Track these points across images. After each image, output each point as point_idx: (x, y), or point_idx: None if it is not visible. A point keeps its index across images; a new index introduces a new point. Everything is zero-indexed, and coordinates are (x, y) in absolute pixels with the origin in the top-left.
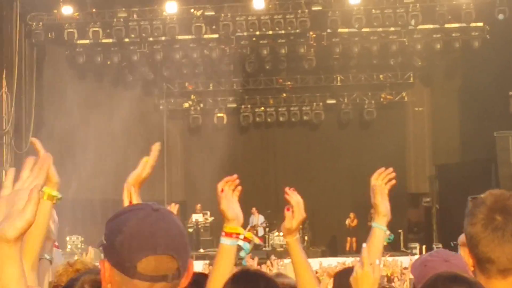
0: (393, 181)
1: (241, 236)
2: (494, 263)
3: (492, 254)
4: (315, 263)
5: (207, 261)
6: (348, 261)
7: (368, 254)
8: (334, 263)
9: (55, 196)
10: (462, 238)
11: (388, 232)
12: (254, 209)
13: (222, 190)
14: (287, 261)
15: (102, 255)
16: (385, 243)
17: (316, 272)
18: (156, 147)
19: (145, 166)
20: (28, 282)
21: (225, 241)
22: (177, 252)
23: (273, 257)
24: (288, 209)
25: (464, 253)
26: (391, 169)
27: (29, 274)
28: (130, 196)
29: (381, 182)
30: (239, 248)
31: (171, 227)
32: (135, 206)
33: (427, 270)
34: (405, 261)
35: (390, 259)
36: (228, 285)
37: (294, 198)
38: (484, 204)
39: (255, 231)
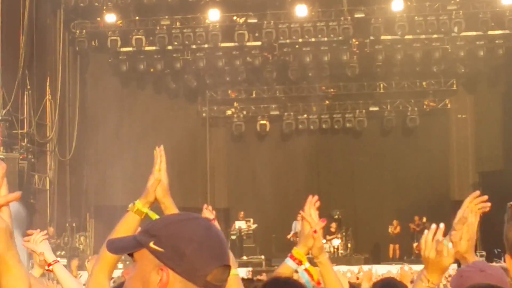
0: (487, 209)
1: (303, 267)
2: None
3: None
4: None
5: (250, 268)
6: (391, 268)
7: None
8: (379, 270)
9: (144, 212)
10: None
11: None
12: (299, 215)
13: (316, 231)
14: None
15: (155, 261)
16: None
17: (357, 278)
18: (158, 152)
19: (158, 175)
20: None
21: (288, 261)
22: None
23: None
24: (315, 231)
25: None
26: (485, 197)
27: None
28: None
29: (473, 206)
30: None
31: (222, 236)
32: (188, 215)
33: (463, 280)
34: (450, 268)
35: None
36: None
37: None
38: None
39: (298, 237)
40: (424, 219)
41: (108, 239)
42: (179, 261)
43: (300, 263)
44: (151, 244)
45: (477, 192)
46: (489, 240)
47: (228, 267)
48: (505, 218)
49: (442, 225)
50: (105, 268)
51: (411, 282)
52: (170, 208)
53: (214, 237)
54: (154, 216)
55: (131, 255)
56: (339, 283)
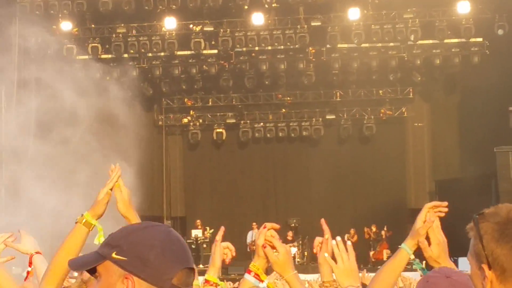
0: (442, 214)
1: (263, 284)
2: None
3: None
4: (315, 278)
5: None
6: None
7: (386, 273)
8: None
9: (93, 225)
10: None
11: (412, 257)
12: (254, 224)
13: (264, 246)
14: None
15: (119, 271)
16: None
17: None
18: (114, 169)
19: (120, 189)
20: None
21: (248, 277)
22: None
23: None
24: (264, 246)
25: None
26: (446, 203)
27: None
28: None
29: (432, 214)
30: None
31: (184, 241)
32: (147, 223)
33: (428, 286)
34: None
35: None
36: None
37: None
38: (498, 217)
39: (254, 246)
40: (381, 228)
41: (70, 260)
42: (143, 267)
43: (258, 277)
44: (114, 255)
45: (439, 203)
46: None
47: (192, 270)
48: (477, 232)
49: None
50: (54, 282)
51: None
52: (135, 221)
53: (175, 241)
54: (101, 229)
55: (93, 271)
56: None
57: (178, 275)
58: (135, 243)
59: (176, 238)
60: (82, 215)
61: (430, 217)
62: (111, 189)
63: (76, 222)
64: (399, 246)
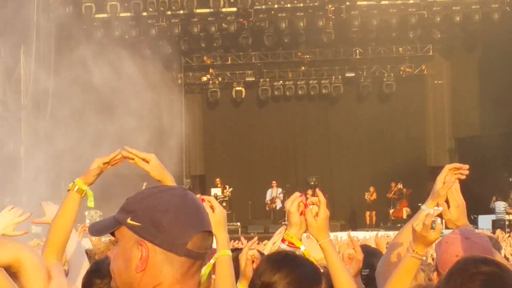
0: (463, 176)
1: (298, 251)
2: None
3: None
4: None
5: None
6: (367, 235)
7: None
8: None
9: (84, 191)
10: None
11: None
12: (274, 182)
13: (302, 213)
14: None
15: (135, 237)
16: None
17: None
18: (115, 153)
19: (140, 164)
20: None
21: (282, 245)
22: (211, 228)
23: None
24: (301, 213)
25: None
26: (467, 166)
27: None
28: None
29: (451, 175)
30: None
31: (202, 205)
32: (162, 187)
33: (447, 247)
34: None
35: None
36: (263, 264)
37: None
38: None
39: (274, 204)
40: (400, 185)
41: (90, 224)
42: (157, 232)
43: (293, 245)
44: (129, 220)
45: (461, 165)
46: (466, 206)
47: (209, 233)
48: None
49: (440, 208)
50: (54, 250)
51: (387, 246)
52: (170, 183)
53: (190, 205)
54: (91, 194)
55: (113, 235)
56: (342, 269)
57: (193, 240)
58: (149, 208)
59: (192, 202)
60: (73, 182)
61: (450, 179)
62: (105, 163)
63: (68, 190)
64: (420, 208)
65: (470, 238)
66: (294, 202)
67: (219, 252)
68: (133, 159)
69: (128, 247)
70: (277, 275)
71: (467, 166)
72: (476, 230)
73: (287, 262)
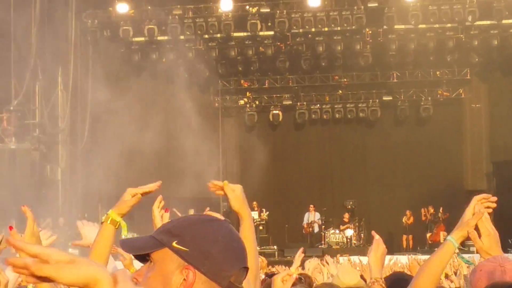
0: (490, 210)
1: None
2: None
3: None
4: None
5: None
6: (402, 259)
7: (432, 265)
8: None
9: (118, 222)
10: None
11: (457, 251)
12: (311, 206)
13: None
14: (342, 258)
15: (179, 261)
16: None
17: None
18: (152, 186)
19: (228, 189)
20: None
21: (451, 240)
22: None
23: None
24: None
25: None
26: (495, 198)
27: None
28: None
29: (481, 206)
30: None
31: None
32: (208, 216)
33: (481, 275)
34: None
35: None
36: None
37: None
38: None
39: (311, 228)
40: (432, 209)
41: (121, 240)
42: (205, 260)
43: None
44: (174, 244)
45: (489, 195)
46: (503, 230)
47: (247, 269)
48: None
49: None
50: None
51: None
52: (247, 219)
53: (236, 239)
54: (125, 225)
55: (142, 256)
56: None
57: (236, 273)
58: (198, 235)
59: (237, 236)
60: (107, 214)
61: (480, 209)
62: (142, 194)
63: (102, 222)
64: (446, 238)
65: (504, 266)
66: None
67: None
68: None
69: (169, 270)
70: None
71: (495, 198)
72: None
73: None
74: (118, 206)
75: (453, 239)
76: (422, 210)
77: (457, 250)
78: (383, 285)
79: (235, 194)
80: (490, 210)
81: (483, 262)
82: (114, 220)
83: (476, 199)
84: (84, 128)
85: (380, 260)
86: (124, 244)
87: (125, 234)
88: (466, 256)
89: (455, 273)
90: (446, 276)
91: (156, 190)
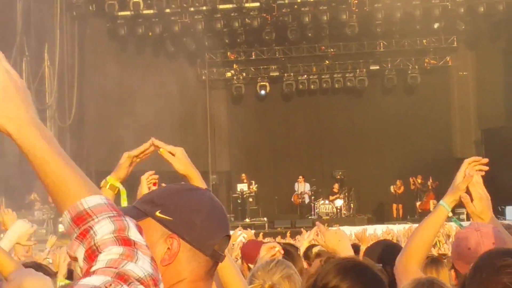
0: (482, 172)
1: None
2: None
3: None
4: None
5: (253, 231)
6: (394, 228)
7: (425, 229)
8: (380, 230)
9: (117, 188)
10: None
11: (450, 214)
12: (301, 177)
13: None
14: (332, 229)
15: (163, 230)
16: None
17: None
18: (145, 145)
19: (166, 156)
20: None
21: (444, 204)
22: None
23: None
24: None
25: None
26: (486, 160)
27: None
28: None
29: (470, 168)
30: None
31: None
32: (191, 185)
33: (459, 242)
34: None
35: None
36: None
37: None
38: None
39: (300, 199)
40: (419, 179)
41: None
42: (189, 230)
43: None
44: (158, 213)
45: (480, 158)
46: (492, 197)
47: (229, 237)
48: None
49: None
50: None
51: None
52: (196, 179)
53: (218, 207)
54: (124, 191)
55: None
56: None
57: (219, 242)
58: (181, 205)
59: (219, 205)
60: (106, 179)
61: (469, 172)
62: (138, 156)
63: (100, 187)
64: (438, 203)
65: (480, 230)
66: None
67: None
68: (144, 152)
69: (152, 240)
70: (344, 282)
71: (486, 160)
72: (505, 222)
73: (353, 270)
74: (116, 171)
75: (445, 204)
76: (411, 179)
77: (450, 214)
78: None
79: (177, 157)
80: (482, 173)
81: (460, 230)
82: (113, 186)
83: (466, 162)
84: (72, 104)
85: (341, 242)
86: None
87: (124, 203)
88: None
89: (448, 237)
90: (436, 244)
91: (150, 151)
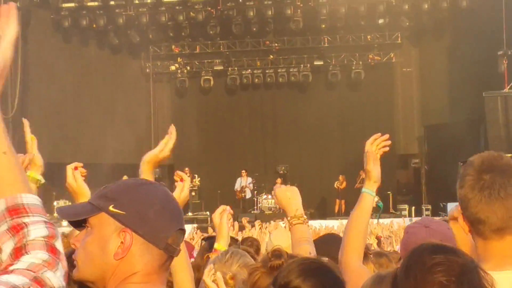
0: (387, 148)
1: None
2: (485, 223)
3: (481, 215)
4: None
5: (195, 225)
6: (335, 224)
7: (356, 220)
8: (322, 225)
9: (38, 180)
10: (450, 212)
11: (376, 199)
12: (243, 171)
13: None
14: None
15: (116, 224)
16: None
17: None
18: (173, 129)
19: (163, 147)
20: None
21: (366, 191)
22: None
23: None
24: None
25: (454, 225)
26: (387, 135)
27: None
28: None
29: (375, 148)
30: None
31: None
32: (144, 180)
33: (408, 237)
34: (395, 222)
35: (375, 221)
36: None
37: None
38: (471, 166)
39: (243, 193)
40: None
41: (58, 207)
42: (142, 223)
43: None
44: (111, 208)
45: (378, 134)
46: (435, 193)
47: (183, 231)
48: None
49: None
50: None
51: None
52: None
53: (172, 201)
54: (42, 180)
55: (78, 223)
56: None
57: (173, 235)
58: (134, 199)
59: (173, 199)
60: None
61: (367, 150)
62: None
63: None
64: (362, 191)
65: (429, 226)
66: (222, 215)
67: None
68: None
69: (106, 234)
70: (305, 283)
71: (387, 136)
72: (447, 218)
73: (316, 271)
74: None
75: (368, 190)
76: (355, 175)
77: (376, 199)
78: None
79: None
80: (387, 149)
81: (410, 224)
82: (35, 179)
83: (368, 143)
84: (15, 95)
85: (291, 199)
86: (60, 211)
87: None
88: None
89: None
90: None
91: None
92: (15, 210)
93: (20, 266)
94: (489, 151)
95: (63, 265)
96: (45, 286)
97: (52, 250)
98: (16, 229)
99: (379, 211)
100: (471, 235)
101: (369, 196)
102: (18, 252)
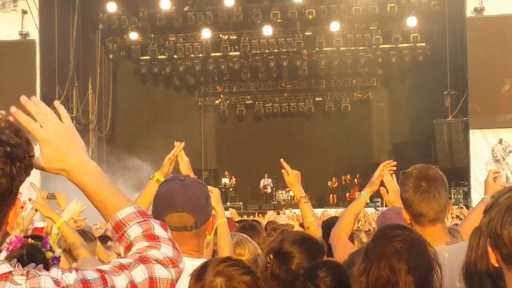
0: (393, 169)
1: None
2: (425, 216)
3: (422, 210)
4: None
5: (234, 210)
6: (332, 211)
7: (350, 212)
8: (320, 212)
9: (161, 181)
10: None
11: (368, 201)
12: (266, 174)
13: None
14: (287, 211)
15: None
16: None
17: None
18: (178, 144)
19: (179, 157)
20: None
21: (363, 194)
22: (193, 210)
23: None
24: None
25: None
26: (395, 162)
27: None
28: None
29: (383, 168)
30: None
31: (189, 192)
32: (171, 177)
33: (385, 219)
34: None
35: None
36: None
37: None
38: (411, 176)
39: (265, 190)
40: (348, 177)
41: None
42: (153, 210)
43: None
44: None
45: (391, 161)
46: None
47: (186, 213)
48: (399, 182)
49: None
50: None
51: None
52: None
53: (170, 192)
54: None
55: None
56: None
57: (168, 218)
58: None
59: (174, 190)
60: (154, 174)
61: (382, 172)
62: (174, 156)
63: (150, 179)
64: (360, 193)
65: (400, 213)
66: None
67: (218, 220)
68: (179, 152)
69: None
70: (294, 247)
71: (394, 163)
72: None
73: (301, 239)
74: (161, 169)
75: (365, 194)
76: (343, 177)
77: (368, 201)
78: (307, 198)
79: (184, 162)
80: (394, 169)
81: (386, 211)
82: (159, 179)
83: (382, 165)
84: (108, 120)
85: (295, 181)
86: None
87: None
88: (373, 206)
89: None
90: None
91: (182, 147)
92: (117, 226)
93: (131, 252)
94: (421, 164)
95: (165, 243)
96: (149, 260)
97: (150, 238)
98: (121, 238)
99: (375, 206)
100: (411, 223)
101: (363, 197)
102: (128, 248)
